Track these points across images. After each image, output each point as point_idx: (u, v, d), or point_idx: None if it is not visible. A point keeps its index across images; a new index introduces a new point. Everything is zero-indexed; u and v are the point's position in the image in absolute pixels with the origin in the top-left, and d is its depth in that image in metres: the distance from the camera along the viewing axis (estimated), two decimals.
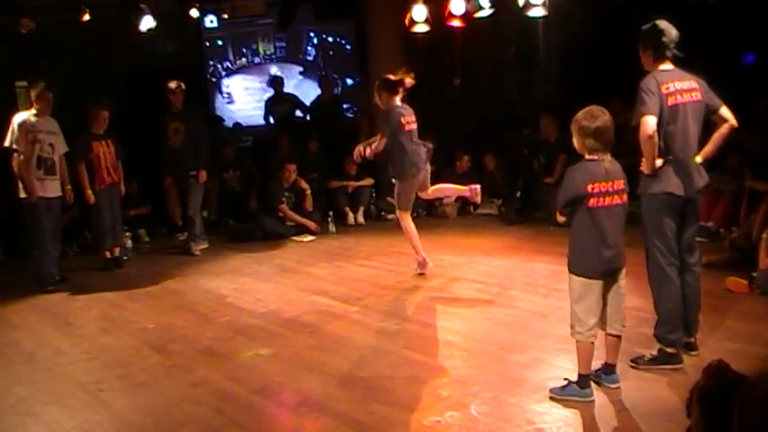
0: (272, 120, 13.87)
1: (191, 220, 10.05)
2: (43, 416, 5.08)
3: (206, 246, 10.18)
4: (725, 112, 5.14)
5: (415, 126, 7.91)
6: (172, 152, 9.93)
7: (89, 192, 8.95)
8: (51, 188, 8.42)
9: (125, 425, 4.87)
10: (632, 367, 5.10)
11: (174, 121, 9.88)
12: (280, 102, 13.87)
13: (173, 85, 9.81)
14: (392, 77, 7.84)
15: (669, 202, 5.02)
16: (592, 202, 4.48)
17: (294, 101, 14.04)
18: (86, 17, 9.37)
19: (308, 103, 14.11)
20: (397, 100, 7.80)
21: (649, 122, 4.83)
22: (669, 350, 5.10)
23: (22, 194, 8.27)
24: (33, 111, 8.35)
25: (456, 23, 9.53)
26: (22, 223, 8.59)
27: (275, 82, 14.03)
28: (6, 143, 8.25)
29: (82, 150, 8.97)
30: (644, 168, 5.03)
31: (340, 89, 15.30)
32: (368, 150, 7.95)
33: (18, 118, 8.29)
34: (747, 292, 6.63)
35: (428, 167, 8.07)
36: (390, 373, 5.44)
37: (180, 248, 10.19)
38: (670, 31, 5.06)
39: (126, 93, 13.22)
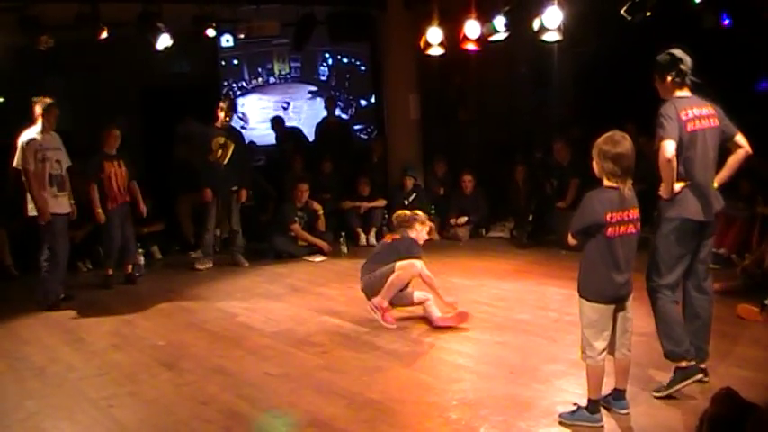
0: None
1: (235, 233, 10.32)
2: (53, 431, 5.10)
3: (210, 265, 10.23)
4: (740, 139, 5.16)
5: None
6: (212, 166, 10.03)
7: (99, 211, 9.01)
8: (64, 204, 8.41)
9: None
10: (656, 397, 5.03)
11: (220, 136, 10.06)
12: (284, 139, 13.93)
13: (225, 103, 10.23)
14: None
15: (686, 227, 5.01)
16: (610, 231, 4.50)
17: (298, 134, 14.16)
18: (104, 35, 9.40)
19: (312, 125, 14.19)
20: None
21: (668, 147, 4.82)
22: (683, 365, 5.02)
23: (32, 213, 8.21)
24: (38, 128, 8.20)
25: (471, 46, 9.55)
26: (34, 238, 8.58)
27: (275, 123, 14.12)
28: (15, 163, 8.18)
29: (93, 171, 9.05)
30: (662, 193, 5.02)
31: (354, 110, 15.38)
32: None
33: (24, 137, 8.14)
34: (759, 320, 6.59)
35: None
36: (400, 394, 5.44)
37: (190, 266, 10.26)
38: (686, 59, 5.08)
39: (141, 110, 13.33)
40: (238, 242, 10.37)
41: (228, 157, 10.06)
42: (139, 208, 9.46)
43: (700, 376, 5.05)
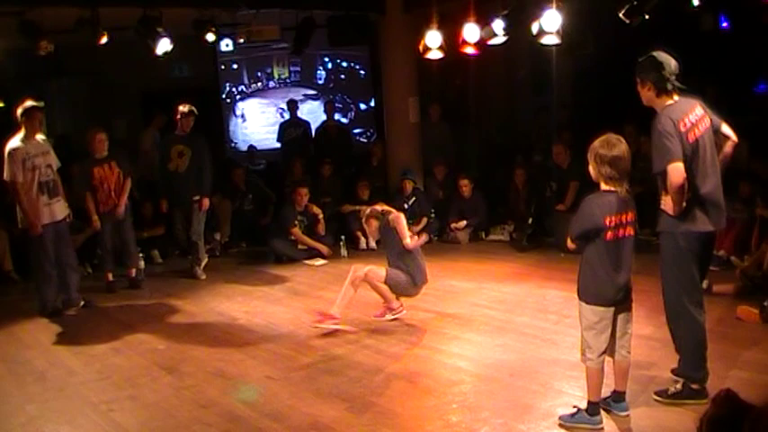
0: (280, 144, 13.92)
1: (194, 244, 10.01)
2: None
3: (206, 260, 10.17)
4: (726, 129, 5.04)
5: None
6: (171, 175, 9.85)
7: (95, 218, 8.94)
8: (59, 210, 8.18)
9: None
10: (656, 400, 5.03)
11: (179, 143, 9.83)
12: (292, 125, 13.92)
13: (185, 108, 9.73)
14: None
15: (697, 240, 4.87)
16: (609, 234, 4.50)
17: (306, 127, 14.10)
18: (104, 39, 9.40)
19: (314, 127, 14.19)
20: None
21: (679, 170, 4.63)
22: (694, 386, 4.98)
23: (22, 224, 8.03)
24: (21, 135, 7.89)
25: (470, 50, 9.54)
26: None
27: (290, 104, 14.08)
28: (5, 176, 7.89)
29: (84, 180, 8.95)
30: (668, 209, 4.83)
31: (353, 114, 15.39)
32: None
33: (9, 147, 7.84)
34: (758, 322, 6.58)
35: None
36: (400, 398, 5.45)
37: (190, 270, 10.23)
38: (669, 62, 4.84)
39: (142, 115, 13.36)
40: (198, 254, 10.02)
41: (186, 165, 9.80)
42: (118, 207, 9.06)
43: (705, 401, 4.83)
